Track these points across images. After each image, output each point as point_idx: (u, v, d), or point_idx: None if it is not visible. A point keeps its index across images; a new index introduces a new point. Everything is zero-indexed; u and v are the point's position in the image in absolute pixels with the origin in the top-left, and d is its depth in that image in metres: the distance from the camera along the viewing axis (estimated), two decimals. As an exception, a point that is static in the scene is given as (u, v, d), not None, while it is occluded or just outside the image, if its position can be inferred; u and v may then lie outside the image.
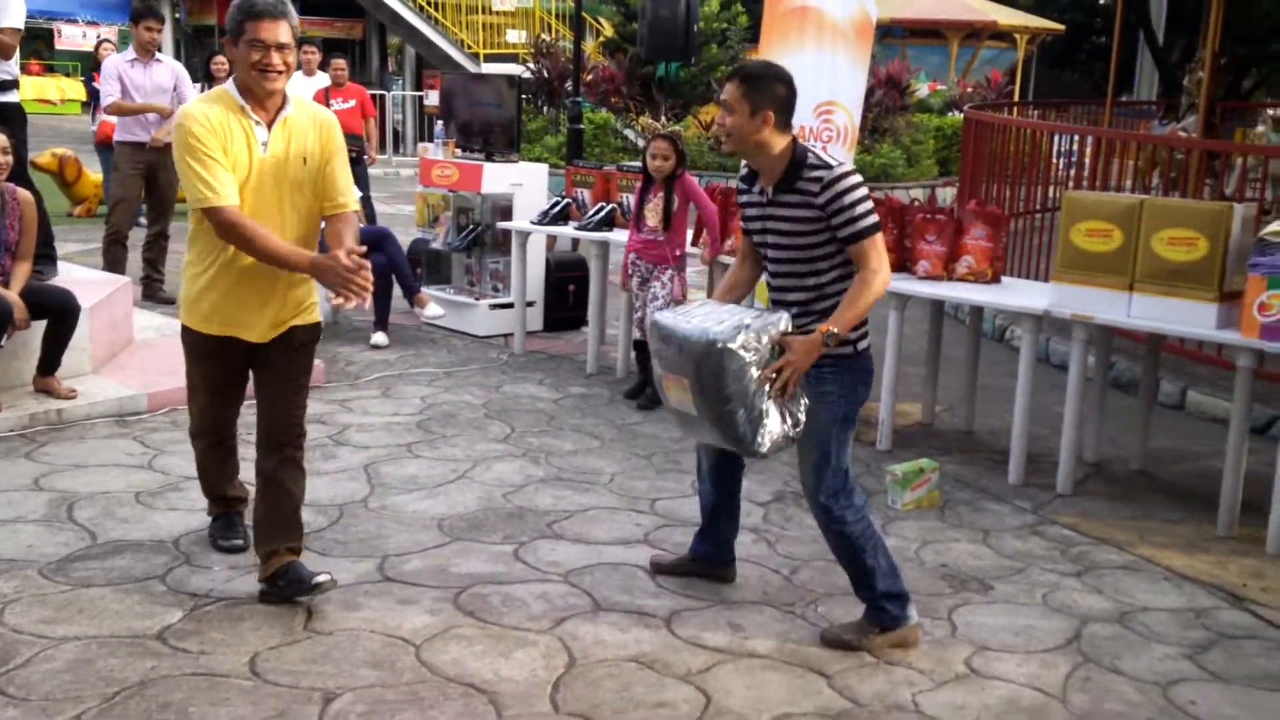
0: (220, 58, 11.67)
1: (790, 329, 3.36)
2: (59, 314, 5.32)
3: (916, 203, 5.74)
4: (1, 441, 5.00)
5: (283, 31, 3.40)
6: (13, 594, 3.61)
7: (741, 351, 3.26)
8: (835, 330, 3.31)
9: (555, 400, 6.11)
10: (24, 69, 28.80)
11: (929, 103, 17.39)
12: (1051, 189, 9.36)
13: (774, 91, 3.44)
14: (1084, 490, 5.02)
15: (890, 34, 23.06)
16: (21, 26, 5.90)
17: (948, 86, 18.91)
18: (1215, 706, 3.27)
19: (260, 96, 3.43)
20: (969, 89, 18.38)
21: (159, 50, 8.05)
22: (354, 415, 5.69)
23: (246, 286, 3.54)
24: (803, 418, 3.40)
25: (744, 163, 3.63)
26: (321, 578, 3.58)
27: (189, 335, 3.70)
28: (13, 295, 5.13)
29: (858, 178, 3.43)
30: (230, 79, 3.50)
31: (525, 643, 3.47)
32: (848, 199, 3.36)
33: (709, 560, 4.00)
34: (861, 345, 3.49)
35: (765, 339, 3.30)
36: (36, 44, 29.40)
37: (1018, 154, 8.94)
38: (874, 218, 3.40)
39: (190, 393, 3.86)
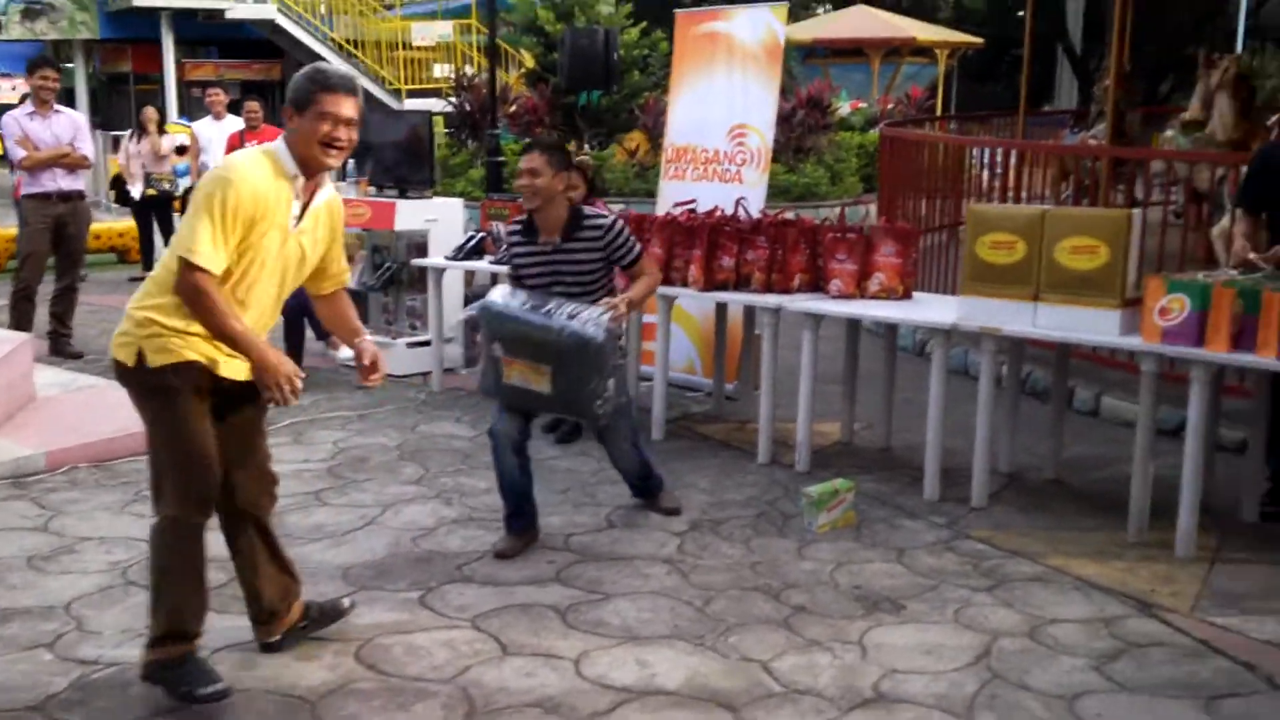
0: (150, 109, 11.50)
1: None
2: (-51, 376, 5.17)
3: (828, 221, 5.73)
4: (-111, 511, 4.83)
5: (353, 107, 3.28)
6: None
7: (605, 345, 4.22)
8: (631, 298, 4.52)
9: (472, 438, 6.01)
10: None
11: (851, 121, 17.50)
12: (975, 202, 9.42)
13: (563, 157, 4.54)
14: (998, 502, 5.02)
15: (813, 54, 23.29)
16: None
17: (869, 104, 19.08)
18: (1122, 717, 3.25)
19: (314, 171, 3.29)
20: (890, 105, 18.55)
21: (54, 101, 7.88)
22: (264, 464, 5.55)
23: None
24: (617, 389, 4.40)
25: (510, 226, 4.80)
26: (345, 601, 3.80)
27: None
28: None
29: (622, 221, 4.71)
30: (283, 140, 3.28)
31: (426, 694, 3.37)
32: (624, 236, 4.62)
33: (533, 529, 4.55)
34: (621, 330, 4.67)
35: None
36: (-47, 97, 28.83)
37: (934, 169, 9.01)
38: (639, 245, 4.73)
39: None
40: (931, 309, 5.31)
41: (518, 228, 4.72)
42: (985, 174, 10.17)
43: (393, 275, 7.68)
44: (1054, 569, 4.28)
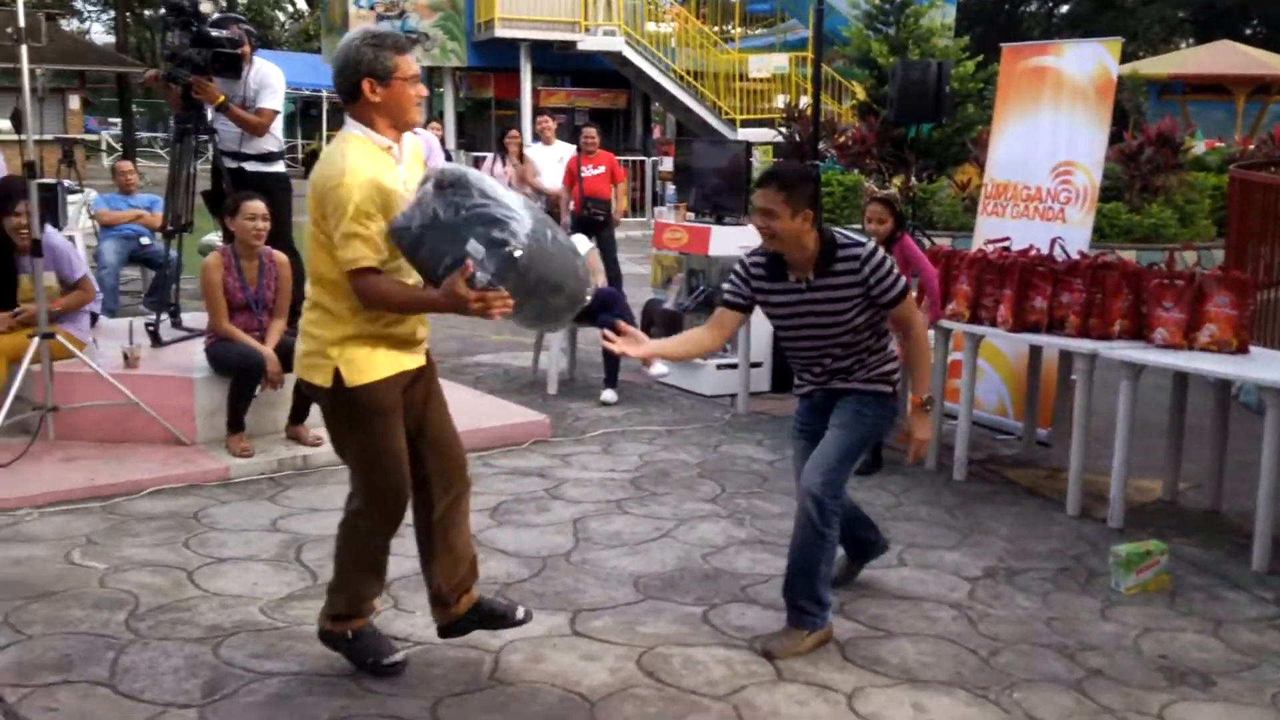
0: (515, 133, 12.31)
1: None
2: (307, 368, 5.75)
3: (1155, 266, 5.40)
4: (251, 484, 5.45)
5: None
6: (231, 628, 3.91)
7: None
8: (930, 395, 3.93)
9: (771, 462, 6.07)
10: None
11: (1206, 161, 16.29)
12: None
13: (808, 191, 3.73)
14: (1341, 583, 4.55)
15: (1169, 90, 21.89)
16: (280, 109, 6.46)
17: (1228, 144, 17.69)
18: None
19: (403, 130, 3.31)
20: (1251, 146, 17.11)
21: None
22: (573, 470, 5.85)
23: None
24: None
25: (752, 256, 3.93)
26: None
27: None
28: (267, 350, 5.61)
29: (883, 251, 3.86)
30: (356, 124, 3.25)
31: (699, 708, 3.45)
32: (885, 268, 3.78)
33: (863, 556, 4.44)
34: (897, 388, 4.01)
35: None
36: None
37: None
38: (904, 281, 3.84)
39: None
40: (1269, 366, 4.89)
41: (761, 259, 3.90)
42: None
43: (707, 298, 7.87)
44: (1398, 663, 3.84)
